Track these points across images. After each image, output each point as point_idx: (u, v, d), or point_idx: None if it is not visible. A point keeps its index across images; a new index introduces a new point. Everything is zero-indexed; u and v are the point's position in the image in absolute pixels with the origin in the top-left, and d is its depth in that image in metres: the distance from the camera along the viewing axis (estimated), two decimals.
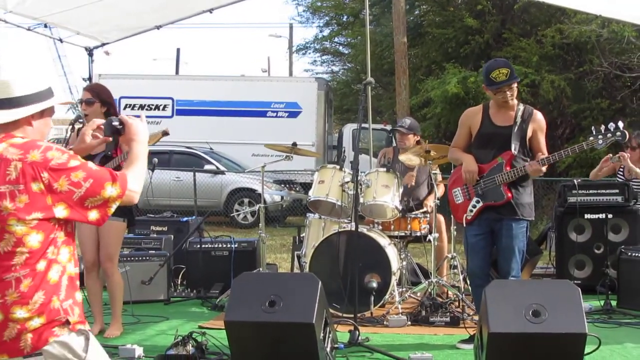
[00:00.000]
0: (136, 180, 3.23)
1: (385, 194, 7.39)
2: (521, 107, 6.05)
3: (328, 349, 5.42)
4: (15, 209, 2.96)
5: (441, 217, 8.13)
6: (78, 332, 3.12)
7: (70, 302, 3.13)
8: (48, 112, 3.27)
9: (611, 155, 8.43)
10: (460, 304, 7.22)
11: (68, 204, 3.04)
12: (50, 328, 3.02)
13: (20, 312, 2.98)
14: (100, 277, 6.73)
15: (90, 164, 3.12)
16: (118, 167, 6.45)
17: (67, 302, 3.11)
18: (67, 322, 3.08)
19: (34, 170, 2.99)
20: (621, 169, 8.82)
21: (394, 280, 7.19)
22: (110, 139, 3.49)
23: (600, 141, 5.80)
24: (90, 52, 9.61)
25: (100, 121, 3.49)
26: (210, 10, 9.32)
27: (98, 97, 6.50)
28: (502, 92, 5.90)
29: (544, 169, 5.95)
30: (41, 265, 3.03)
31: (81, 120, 6.44)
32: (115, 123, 3.42)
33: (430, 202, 8.04)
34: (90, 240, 6.56)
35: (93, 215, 3.09)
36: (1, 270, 2.98)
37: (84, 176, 3.05)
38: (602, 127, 5.81)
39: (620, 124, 5.75)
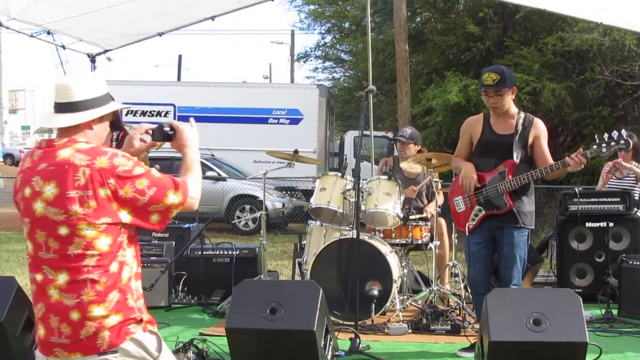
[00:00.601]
0: (195, 187, 3.34)
1: (386, 202, 7.40)
2: (522, 115, 6.05)
3: (329, 357, 5.43)
4: (84, 213, 3.03)
5: (443, 222, 8.13)
6: (150, 332, 3.21)
7: (142, 302, 3.24)
8: (107, 116, 3.33)
9: (610, 164, 8.48)
10: (461, 312, 7.22)
11: (132, 210, 3.12)
12: (126, 325, 3.11)
13: (97, 310, 3.05)
14: None
15: (154, 171, 3.19)
16: None
17: (139, 302, 3.22)
18: (142, 321, 3.17)
19: (102, 177, 3.05)
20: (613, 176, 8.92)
21: (395, 288, 7.19)
22: (158, 143, 3.49)
23: (604, 150, 5.80)
24: (92, 58, 9.63)
25: (148, 125, 3.50)
26: (212, 18, 9.33)
27: None
28: (486, 95, 5.96)
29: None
30: (114, 267, 3.12)
31: None
32: (167, 128, 3.43)
33: (431, 209, 8.05)
34: None
35: (154, 219, 3.20)
36: (74, 272, 3.06)
37: (148, 184, 3.13)
38: (606, 136, 5.81)
39: (624, 132, 5.75)
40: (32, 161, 3.16)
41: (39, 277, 3.11)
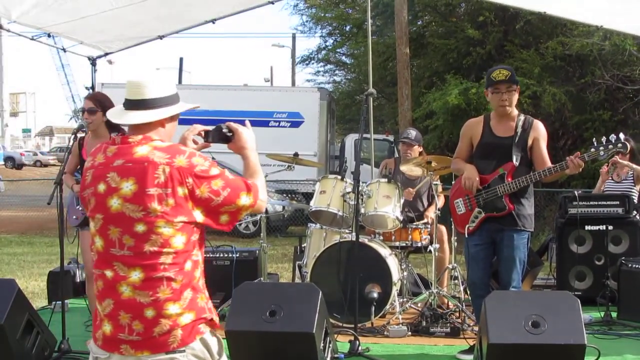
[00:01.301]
0: (263, 189, 3.34)
1: (386, 205, 7.42)
2: (522, 117, 6.06)
3: (328, 359, 5.44)
4: (163, 211, 3.04)
5: (443, 228, 8.15)
6: (216, 334, 3.23)
7: (211, 304, 3.26)
8: (176, 115, 3.33)
9: (607, 165, 8.48)
10: (461, 314, 7.23)
11: (205, 209, 3.13)
12: (197, 324, 3.12)
13: (173, 308, 3.06)
14: None
15: (227, 173, 3.20)
16: None
17: (210, 302, 3.25)
18: (212, 321, 3.20)
19: (181, 175, 3.06)
20: (610, 176, 8.95)
21: (394, 290, 7.21)
22: (211, 145, 3.47)
23: (602, 153, 5.81)
24: (93, 61, 9.64)
25: (202, 126, 3.49)
26: (213, 21, 9.34)
27: (100, 106, 6.51)
28: (499, 92, 5.91)
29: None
30: (188, 265, 3.13)
31: (84, 130, 6.48)
32: (225, 130, 3.41)
33: (431, 214, 8.06)
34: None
35: (224, 220, 3.20)
36: (149, 269, 3.05)
37: (223, 185, 3.14)
38: (604, 139, 5.82)
39: (622, 135, 5.77)
40: (105, 157, 3.16)
41: (109, 273, 3.10)
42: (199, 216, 3.12)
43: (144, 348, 3.05)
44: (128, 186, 3.05)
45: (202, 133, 3.46)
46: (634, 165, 8.53)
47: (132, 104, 3.20)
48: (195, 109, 3.45)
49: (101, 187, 3.11)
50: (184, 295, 3.09)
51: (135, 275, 3.05)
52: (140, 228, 3.04)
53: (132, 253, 3.05)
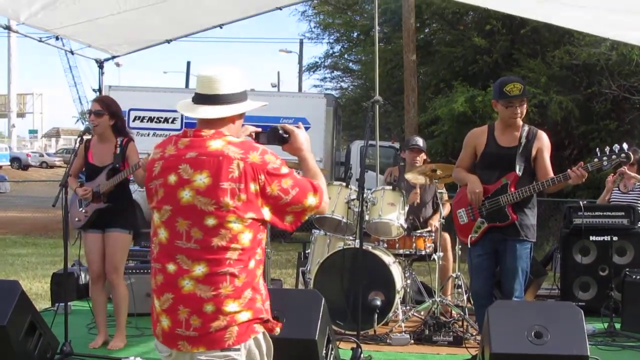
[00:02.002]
0: (326, 191, 3.34)
1: (390, 212, 7.42)
2: (526, 127, 6.05)
3: None
4: (235, 206, 3.04)
5: (447, 236, 8.14)
6: (267, 336, 3.23)
7: (268, 304, 3.24)
8: (244, 113, 3.33)
9: (613, 174, 8.45)
10: (464, 323, 7.22)
11: (272, 207, 3.14)
12: (253, 324, 3.11)
13: (232, 306, 3.05)
14: (106, 288, 6.76)
15: (295, 173, 3.21)
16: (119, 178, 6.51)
17: (267, 303, 3.23)
18: (267, 322, 3.19)
19: (254, 172, 3.07)
20: (617, 187, 8.92)
21: (397, 298, 7.21)
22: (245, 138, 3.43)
23: (606, 163, 5.79)
24: (100, 64, 9.66)
25: (253, 127, 3.47)
26: (221, 26, 9.35)
27: (107, 109, 6.54)
28: (513, 106, 5.89)
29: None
30: (251, 264, 3.13)
31: (90, 132, 6.49)
32: (281, 132, 3.41)
33: (435, 222, 8.04)
34: (97, 251, 6.60)
35: (289, 219, 3.21)
36: (214, 264, 3.05)
37: (292, 184, 3.15)
38: (607, 149, 5.81)
39: (625, 146, 5.76)
40: (177, 149, 3.16)
41: (171, 267, 3.10)
42: (267, 214, 3.12)
43: (199, 344, 3.05)
44: (202, 179, 3.06)
45: (253, 134, 3.46)
46: (638, 177, 8.51)
47: (204, 99, 3.21)
48: (264, 106, 3.46)
49: (172, 179, 3.12)
50: (244, 294, 3.08)
51: (199, 270, 3.05)
52: (210, 222, 3.04)
53: (199, 246, 3.06)
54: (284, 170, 3.14)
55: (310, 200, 3.20)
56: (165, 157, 3.17)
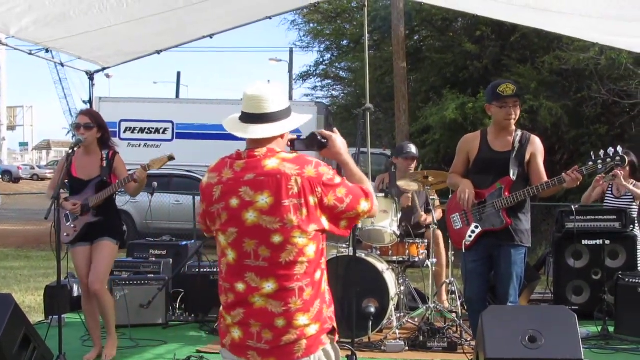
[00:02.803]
0: (374, 195, 3.41)
1: (383, 219, 7.41)
2: (519, 132, 6.07)
3: None
4: (299, 221, 3.13)
5: (439, 232, 8.15)
6: (334, 345, 3.31)
7: (332, 310, 3.33)
8: None
9: (604, 175, 8.48)
10: (458, 329, 7.23)
11: (329, 216, 3.23)
12: (320, 335, 3.22)
13: (302, 319, 3.16)
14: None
15: (346, 180, 3.30)
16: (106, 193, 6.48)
17: (330, 309, 3.31)
18: (333, 331, 3.28)
19: (311, 185, 3.16)
20: (610, 189, 8.93)
21: (391, 305, 7.21)
22: (297, 153, 3.45)
23: (600, 166, 5.82)
24: (91, 76, 9.65)
25: (291, 135, 3.47)
26: (211, 36, 9.37)
27: (95, 122, 6.54)
28: (507, 106, 5.91)
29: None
30: (317, 275, 3.24)
31: (80, 145, 6.46)
32: (319, 137, 3.45)
33: (429, 218, 8.02)
34: (87, 265, 6.57)
35: (343, 225, 3.29)
36: (284, 279, 3.15)
37: (346, 192, 3.24)
38: (602, 152, 5.83)
39: (619, 149, 5.78)
40: (234, 172, 3.23)
41: (240, 286, 3.18)
42: (325, 223, 3.21)
43: (270, 356, 3.15)
44: (264, 199, 3.14)
45: (289, 142, 3.48)
46: (631, 187, 8.53)
47: (254, 118, 3.27)
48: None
49: (234, 202, 3.19)
50: (313, 306, 3.19)
51: (269, 286, 3.15)
52: (276, 239, 3.13)
53: (267, 264, 3.15)
54: (337, 179, 3.24)
55: (363, 205, 3.28)
56: (224, 182, 3.24)
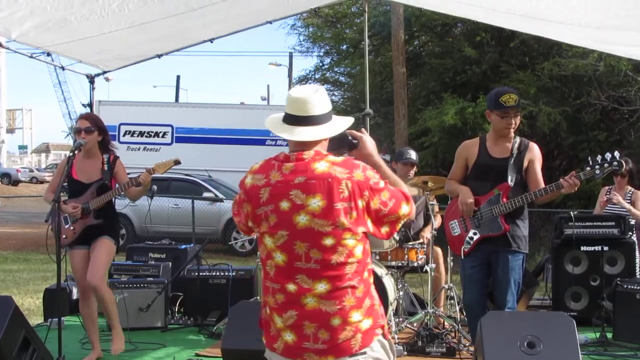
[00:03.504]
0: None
1: None
2: (517, 139, 6.07)
3: None
4: (349, 224, 3.18)
5: (439, 250, 8.15)
6: (387, 338, 3.36)
7: (382, 308, 3.38)
8: None
9: (607, 191, 8.47)
10: (457, 334, 7.23)
11: (373, 219, 3.28)
12: (374, 329, 3.27)
13: (356, 316, 3.21)
14: (96, 301, 6.74)
15: (388, 184, 3.32)
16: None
17: (381, 308, 3.36)
18: (383, 327, 3.33)
19: (360, 189, 3.20)
20: (607, 195, 8.96)
21: (390, 310, 7.20)
22: (344, 156, 3.45)
23: (598, 171, 5.81)
24: (91, 79, 9.67)
25: None
26: (211, 40, 9.38)
27: (96, 126, 6.57)
28: (508, 117, 5.90)
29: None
30: (365, 274, 3.30)
31: (81, 148, 6.47)
32: (350, 138, 3.47)
33: (427, 234, 8.05)
34: (84, 268, 6.57)
35: (384, 229, 3.34)
36: (336, 280, 3.20)
37: (389, 196, 3.29)
38: (599, 157, 5.83)
39: (617, 154, 5.77)
40: (283, 175, 3.25)
41: (291, 287, 3.22)
42: (370, 226, 3.27)
43: (328, 354, 3.20)
44: (316, 202, 3.17)
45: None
46: (626, 204, 8.57)
47: (298, 120, 3.29)
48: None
49: (284, 205, 3.21)
50: (364, 303, 3.24)
51: (322, 287, 3.20)
52: (328, 241, 3.18)
53: (319, 266, 3.20)
54: (382, 183, 3.29)
55: (404, 209, 3.34)
56: (272, 184, 3.26)
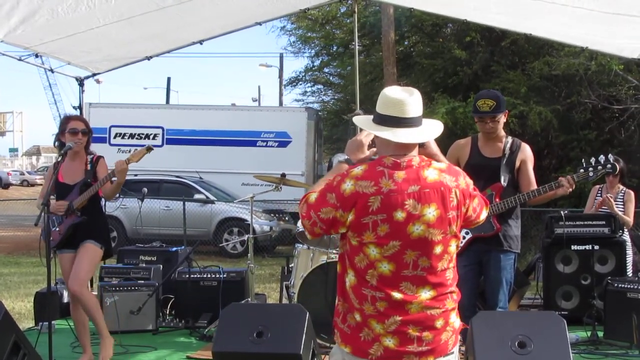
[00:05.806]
0: None
1: None
2: (509, 139, 6.08)
3: None
4: (456, 231, 3.24)
5: None
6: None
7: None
8: None
9: (598, 190, 8.49)
10: None
11: (461, 223, 3.31)
12: (460, 330, 3.39)
13: (453, 316, 3.33)
14: None
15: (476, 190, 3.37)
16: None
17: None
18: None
19: (464, 197, 3.26)
20: (599, 195, 8.97)
21: None
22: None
23: (591, 174, 5.83)
24: (81, 82, 9.65)
25: (373, 134, 3.42)
26: (201, 42, 9.38)
27: (88, 128, 6.62)
28: (483, 121, 5.96)
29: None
30: (456, 276, 3.37)
31: (71, 150, 6.45)
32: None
33: None
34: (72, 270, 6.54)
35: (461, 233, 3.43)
36: (439, 286, 3.25)
37: (478, 202, 3.38)
38: (592, 160, 5.84)
39: (610, 157, 5.80)
40: (395, 183, 3.14)
41: (396, 295, 3.18)
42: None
43: (428, 355, 3.23)
44: (431, 212, 3.15)
45: (370, 142, 3.50)
46: (615, 209, 8.60)
47: (398, 122, 3.21)
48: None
49: (399, 215, 3.13)
50: (458, 304, 3.36)
51: (426, 293, 3.21)
52: (438, 250, 3.20)
53: (425, 273, 3.20)
54: (474, 190, 3.35)
55: (484, 215, 3.44)
56: (385, 193, 3.13)
